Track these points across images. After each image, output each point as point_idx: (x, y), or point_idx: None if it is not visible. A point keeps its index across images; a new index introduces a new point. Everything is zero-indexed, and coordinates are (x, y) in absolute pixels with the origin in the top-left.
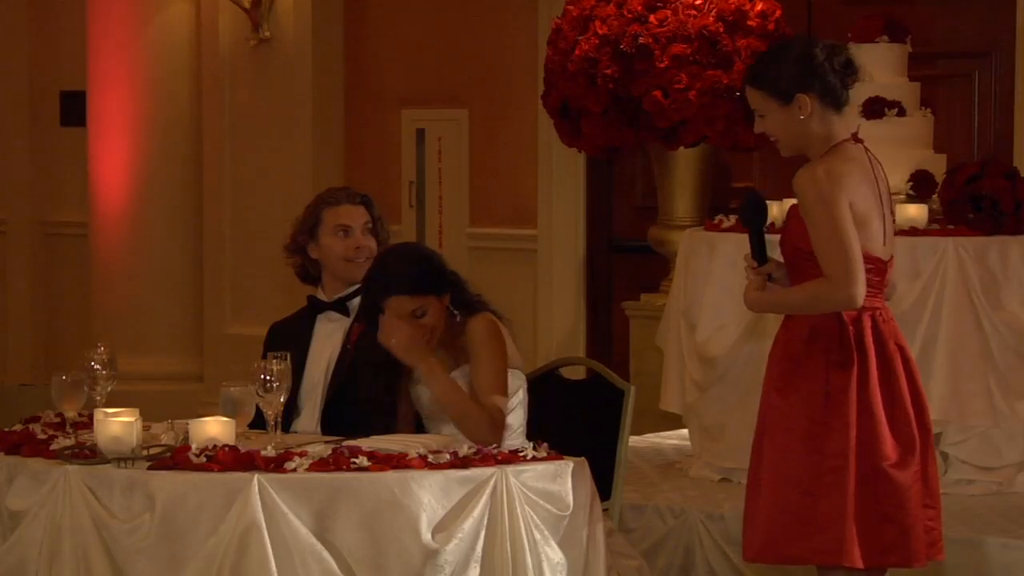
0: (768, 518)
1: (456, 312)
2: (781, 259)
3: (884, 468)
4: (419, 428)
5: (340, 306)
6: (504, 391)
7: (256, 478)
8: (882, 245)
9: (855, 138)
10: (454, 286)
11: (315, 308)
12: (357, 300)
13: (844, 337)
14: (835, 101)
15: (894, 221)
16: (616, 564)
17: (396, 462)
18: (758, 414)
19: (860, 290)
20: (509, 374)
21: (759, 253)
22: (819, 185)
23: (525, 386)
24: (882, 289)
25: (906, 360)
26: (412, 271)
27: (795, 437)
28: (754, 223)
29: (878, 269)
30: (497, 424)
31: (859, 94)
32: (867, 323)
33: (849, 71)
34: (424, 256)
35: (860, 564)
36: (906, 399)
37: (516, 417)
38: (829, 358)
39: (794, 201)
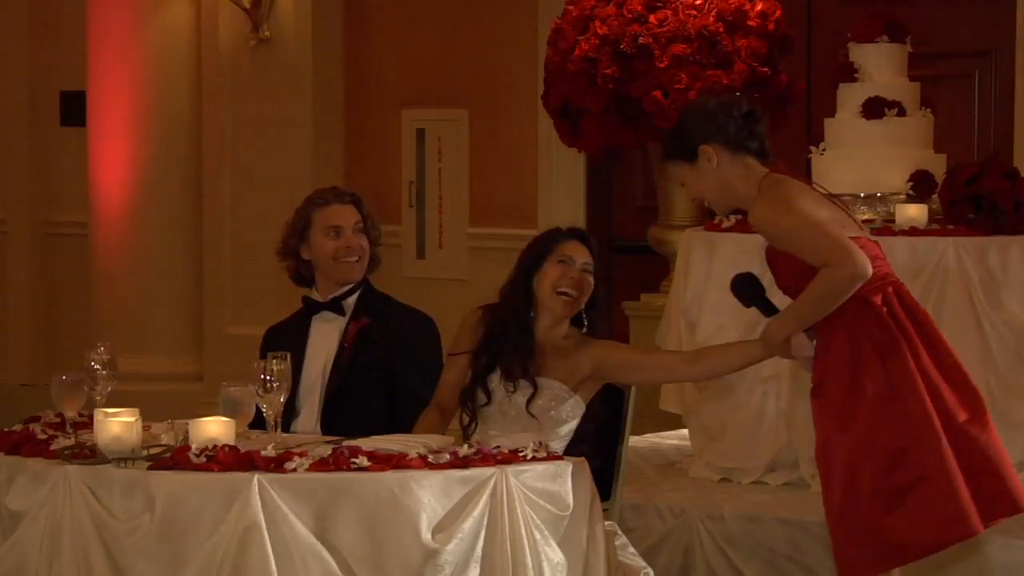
0: (875, 527)
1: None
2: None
3: (959, 425)
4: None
5: (335, 306)
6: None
7: (256, 478)
8: (860, 230)
9: (776, 167)
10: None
11: (310, 309)
12: (352, 299)
13: (883, 324)
14: (743, 146)
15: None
16: (622, 565)
17: (396, 462)
18: (820, 437)
19: (862, 259)
20: (573, 401)
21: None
22: (772, 205)
23: (580, 418)
24: (886, 259)
25: (931, 322)
26: None
27: (880, 437)
28: (755, 297)
29: (870, 245)
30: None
31: (859, 94)
32: (893, 297)
33: (752, 118)
34: None
35: (982, 529)
36: (952, 353)
37: (562, 443)
38: (880, 350)
39: None
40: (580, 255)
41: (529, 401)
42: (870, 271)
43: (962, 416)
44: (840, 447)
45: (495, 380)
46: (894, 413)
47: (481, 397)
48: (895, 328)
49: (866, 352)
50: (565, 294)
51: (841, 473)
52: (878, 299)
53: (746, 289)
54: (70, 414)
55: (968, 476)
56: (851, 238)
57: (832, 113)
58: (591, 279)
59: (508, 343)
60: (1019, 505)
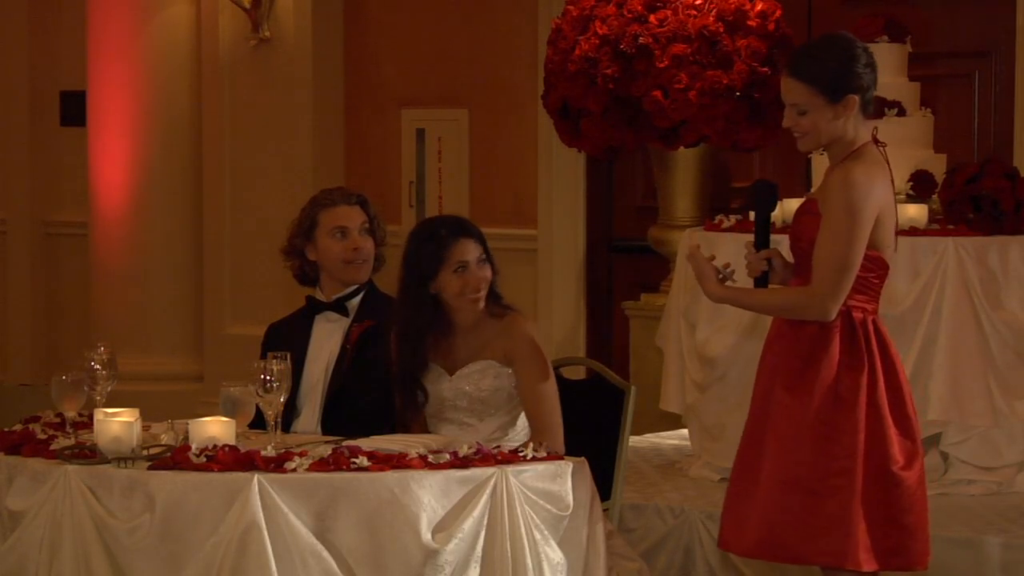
0: (767, 516)
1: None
2: (787, 258)
3: (893, 471)
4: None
5: (339, 306)
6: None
7: (256, 478)
8: (892, 250)
9: (875, 140)
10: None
11: (314, 308)
12: (356, 300)
13: (855, 339)
14: (866, 103)
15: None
16: (616, 565)
17: (396, 462)
18: (754, 409)
19: (836, 308)
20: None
21: (763, 240)
22: (854, 190)
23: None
24: (880, 293)
25: (900, 366)
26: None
27: (803, 437)
28: (762, 209)
29: (882, 274)
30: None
31: None
32: (871, 327)
33: (876, 74)
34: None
35: (866, 567)
36: (908, 403)
37: (524, 418)
38: (842, 359)
39: (798, 201)
40: (471, 252)
41: (475, 386)
42: (831, 319)
43: (899, 462)
44: (754, 432)
45: (437, 378)
46: (824, 426)
47: (420, 397)
48: (863, 351)
49: (829, 356)
50: (472, 296)
51: (747, 456)
52: (859, 316)
53: (763, 195)
54: (70, 414)
55: (879, 519)
56: (873, 255)
57: None
58: (488, 269)
59: (408, 351)
60: (914, 564)
